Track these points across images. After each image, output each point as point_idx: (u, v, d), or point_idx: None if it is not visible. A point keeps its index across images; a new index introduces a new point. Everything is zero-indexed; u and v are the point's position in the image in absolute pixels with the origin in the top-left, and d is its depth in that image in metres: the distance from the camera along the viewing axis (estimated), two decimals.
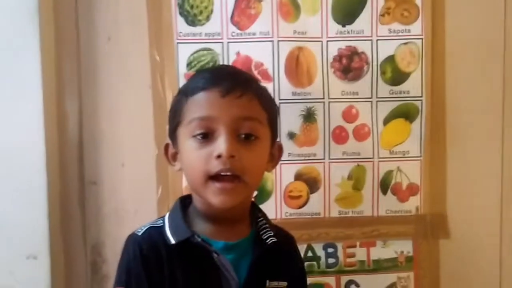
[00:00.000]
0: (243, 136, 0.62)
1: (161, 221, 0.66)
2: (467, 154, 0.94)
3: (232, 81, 0.62)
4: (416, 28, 0.91)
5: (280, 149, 0.72)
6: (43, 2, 0.81)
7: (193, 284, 0.62)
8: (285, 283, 0.67)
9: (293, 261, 0.73)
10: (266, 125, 0.65)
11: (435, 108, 0.92)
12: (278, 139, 0.73)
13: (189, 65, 0.89)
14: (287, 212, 0.92)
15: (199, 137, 0.61)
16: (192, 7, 0.88)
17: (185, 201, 0.68)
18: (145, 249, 0.62)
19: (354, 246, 0.94)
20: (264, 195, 0.92)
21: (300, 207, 0.92)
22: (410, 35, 0.91)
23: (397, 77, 0.92)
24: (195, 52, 0.89)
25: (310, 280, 0.93)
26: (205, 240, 0.62)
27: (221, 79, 0.62)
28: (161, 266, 0.61)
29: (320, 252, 0.93)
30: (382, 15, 0.91)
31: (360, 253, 0.94)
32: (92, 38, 0.88)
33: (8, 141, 0.80)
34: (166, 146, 0.68)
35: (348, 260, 0.94)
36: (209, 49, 0.89)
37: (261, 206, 0.90)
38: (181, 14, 0.88)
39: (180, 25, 0.88)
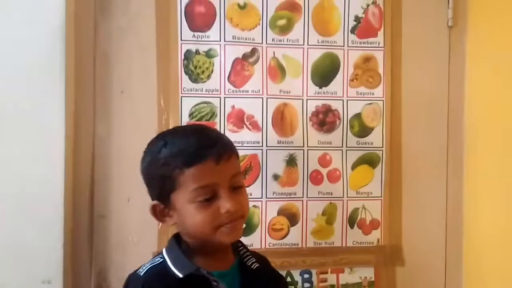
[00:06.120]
0: (234, 188, 0.72)
1: (160, 258, 0.73)
2: (418, 194, 1.13)
3: (219, 147, 0.70)
4: (379, 91, 1.11)
5: None
6: (68, 60, 0.94)
7: None
8: None
9: (270, 279, 0.82)
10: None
11: (393, 156, 1.11)
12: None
13: (191, 115, 1.04)
14: (270, 243, 1.07)
15: (203, 201, 0.69)
16: (195, 67, 1.04)
17: (177, 239, 0.75)
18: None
19: (326, 272, 1.09)
20: (251, 227, 1.06)
21: (281, 238, 1.07)
22: (373, 97, 1.10)
23: (363, 131, 1.10)
24: (196, 105, 1.04)
25: None
26: (208, 272, 0.71)
27: (210, 147, 0.69)
28: None
29: (298, 278, 1.08)
30: (352, 80, 1.10)
31: (331, 279, 1.09)
32: (107, 92, 1.01)
33: (32, 180, 0.91)
34: (154, 207, 0.73)
35: (321, 284, 1.09)
36: (208, 102, 1.04)
37: (248, 237, 1.06)
38: (186, 72, 1.03)
39: (185, 81, 1.03)
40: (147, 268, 0.72)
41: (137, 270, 0.73)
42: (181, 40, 1.03)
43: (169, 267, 0.71)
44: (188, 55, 1.03)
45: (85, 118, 0.99)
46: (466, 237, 1.12)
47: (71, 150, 0.95)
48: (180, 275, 0.70)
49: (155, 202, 0.73)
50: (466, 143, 1.12)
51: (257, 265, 0.77)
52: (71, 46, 0.95)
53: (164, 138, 0.73)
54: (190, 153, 0.69)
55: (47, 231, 0.91)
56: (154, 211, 0.73)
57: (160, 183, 0.71)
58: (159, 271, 0.71)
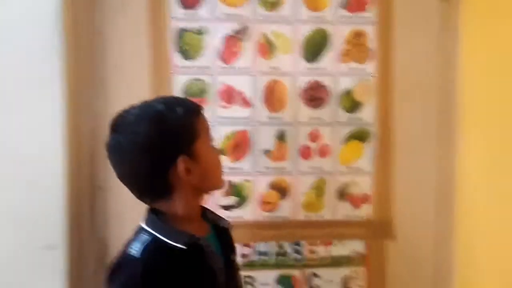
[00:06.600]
0: None
1: (147, 236, 0.71)
2: (409, 169, 1.13)
3: None
4: (370, 67, 1.11)
5: None
6: (69, 40, 0.99)
7: (198, 273, 0.72)
8: (235, 256, 0.83)
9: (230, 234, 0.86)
10: None
11: (384, 132, 1.12)
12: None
13: (182, 92, 1.07)
14: (261, 215, 1.11)
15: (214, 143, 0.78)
16: (186, 44, 1.06)
17: (154, 213, 0.74)
18: (159, 265, 0.68)
19: (316, 245, 1.12)
20: (243, 201, 1.10)
21: (272, 211, 1.11)
22: (364, 72, 1.11)
23: (354, 106, 1.11)
24: (188, 81, 1.07)
25: (279, 272, 1.12)
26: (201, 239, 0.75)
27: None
28: (175, 271, 0.69)
29: (288, 249, 1.12)
30: (342, 56, 1.10)
31: (321, 250, 1.12)
32: (104, 69, 1.05)
33: (35, 154, 0.97)
34: (185, 162, 0.71)
35: (311, 256, 1.12)
36: (199, 79, 1.07)
37: (240, 210, 1.10)
38: (177, 50, 1.06)
39: (177, 58, 1.07)
40: (142, 248, 0.70)
41: (126, 253, 0.71)
42: (172, 18, 1.05)
43: (163, 241, 0.71)
44: (179, 33, 1.06)
45: (84, 94, 1.04)
46: (457, 212, 1.12)
47: (71, 127, 1.00)
48: (182, 246, 0.70)
49: (182, 157, 0.71)
50: (457, 119, 1.11)
51: (231, 224, 0.82)
52: (69, 25, 0.99)
53: (161, 102, 0.73)
54: (196, 105, 0.75)
55: (51, 201, 0.97)
56: (186, 167, 0.71)
57: (182, 137, 0.71)
58: (155, 248, 0.70)
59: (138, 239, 0.72)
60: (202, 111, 0.76)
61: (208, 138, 0.76)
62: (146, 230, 0.73)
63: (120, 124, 0.72)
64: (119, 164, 0.72)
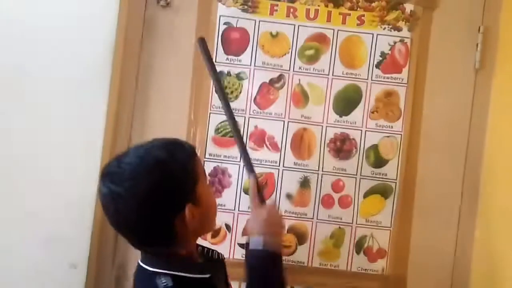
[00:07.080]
0: None
1: (164, 277, 0.69)
2: (429, 229, 1.14)
3: None
4: (398, 125, 1.14)
5: None
6: (114, 72, 1.07)
7: None
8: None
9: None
10: None
11: (406, 190, 1.14)
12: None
13: (216, 130, 1.13)
14: None
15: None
16: (225, 87, 1.13)
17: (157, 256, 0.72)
18: None
19: None
20: None
21: (289, 255, 1.13)
22: (392, 130, 1.14)
23: (378, 162, 1.14)
24: (223, 121, 1.13)
25: None
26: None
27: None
28: None
29: None
30: (372, 112, 1.14)
31: None
32: (146, 102, 1.12)
33: (72, 177, 1.05)
34: (191, 210, 0.69)
35: None
36: None
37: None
38: (216, 91, 1.13)
39: (215, 99, 1.13)
40: (172, 280, 0.69)
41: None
42: (215, 62, 1.12)
43: (183, 276, 0.70)
44: (220, 76, 1.13)
45: (124, 124, 1.11)
46: (473, 277, 1.12)
47: (108, 153, 1.07)
48: (207, 276, 0.72)
49: (188, 206, 0.69)
50: (482, 184, 1.13)
51: (223, 255, 0.82)
52: (119, 60, 1.08)
53: (160, 148, 0.71)
54: (192, 146, 0.76)
55: (80, 223, 1.04)
56: (192, 214, 0.70)
57: (185, 182, 0.70)
58: (181, 284, 0.69)
59: (155, 283, 0.69)
60: (196, 151, 0.76)
61: (205, 178, 0.76)
62: (159, 273, 0.70)
63: (118, 173, 0.68)
64: (117, 215, 0.68)
